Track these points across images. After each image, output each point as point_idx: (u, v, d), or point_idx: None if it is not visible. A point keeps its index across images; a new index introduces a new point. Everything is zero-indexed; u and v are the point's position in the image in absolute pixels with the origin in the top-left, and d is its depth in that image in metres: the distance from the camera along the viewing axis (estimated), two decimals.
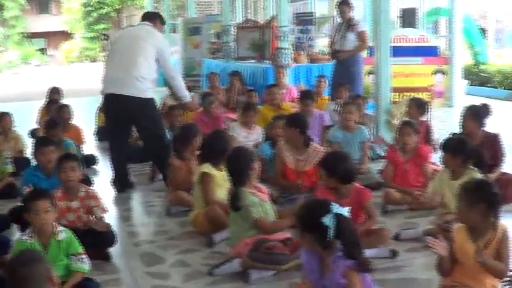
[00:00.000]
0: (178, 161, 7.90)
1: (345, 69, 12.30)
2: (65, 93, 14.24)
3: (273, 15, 16.97)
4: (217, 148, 6.92)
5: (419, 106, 9.25)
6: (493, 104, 15.72)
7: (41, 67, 51.70)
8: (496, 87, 19.12)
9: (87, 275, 5.30)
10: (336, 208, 4.13)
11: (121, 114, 8.57)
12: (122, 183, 8.92)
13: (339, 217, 4.09)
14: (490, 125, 8.03)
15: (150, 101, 8.73)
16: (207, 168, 6.78)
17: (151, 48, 8.60)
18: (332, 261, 4.15)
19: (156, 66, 8.72)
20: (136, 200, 8.64)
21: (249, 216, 5.65)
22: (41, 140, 7.88)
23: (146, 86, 8.59)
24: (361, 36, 12.26)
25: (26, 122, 12.52)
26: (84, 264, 5.23)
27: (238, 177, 5.88)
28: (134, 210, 8.18)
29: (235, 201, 5.75)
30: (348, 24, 12.30)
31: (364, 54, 12.91)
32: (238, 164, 5.91)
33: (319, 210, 4.14)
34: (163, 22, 9.31)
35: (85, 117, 13.89)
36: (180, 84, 9.15)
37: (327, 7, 23.09)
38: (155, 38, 8.76)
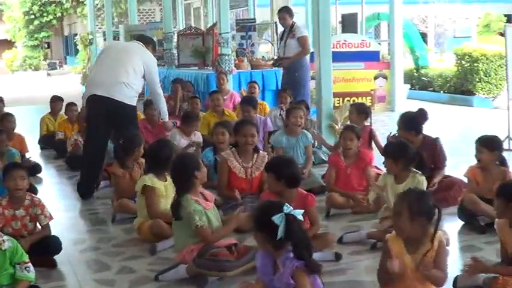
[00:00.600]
0: (120, 169, 7.88)
1: (290, 75, 12.49)
2: (8, 101, 14.14)
3: (214, 22, 17.04)
4: (161, 157, 6.91)
5: (360, 111, 9.34)
6: (434, 107, 16.15)
7: None
8: (437, 91, 19.43)
9: (33, 283, 5.29)
10: (288, 209, 4.23)
11: (103, 116, 8.62)
12: (89, 187, 8.89)
13: (289, 217, 4.19)
14: (431, 129, 8.20)
15: (133, 109, 8.94)
16: (149, 180, 6.75)
17: (140, 63, 8.80)
18: (281, 261, 4.24)
19: (142, 81, 8.93)
20: (81, 207, 8.59)
21: (192, 224, 5.65)
22: None
23: (132, 94, 8.76)
24: (301, 42, 12.45)
25: None
26: (30, 273, 5.21)
27: (182, 185, 5.87)
28: (79, 218, 8.14)
29: (177, 209, 5.73)
30: (289, 31, 12.50)
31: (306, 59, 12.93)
32: (182, 172, 5.90)
33: (272, 209, 4.25)
34: (154, 48, 9.68)
35: (28, 126, 13.77)
36: (163, 103, 9.46)
37: (268, 13, 23.21)
38: (145, 54, 9.00)
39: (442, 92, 19.21)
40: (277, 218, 4.14)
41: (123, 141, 7.93)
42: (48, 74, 46.63)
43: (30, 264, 5.24)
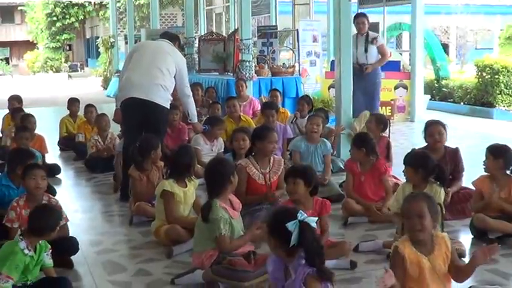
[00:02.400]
0: (137, 172, 7.90)
1: (369, 82, 12.56)
2: (28, 102, 14.23)
3: (236, 28, 17.09)
4: (181, 163, 6.94)
5: (379, 122, 9.33)
6: (454, 119, 16.09)
7: (4, 77, 51.40)
8: (457, 103, 19.37)
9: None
10: (302, 216, 4.23)
11: (141, 118, 8.61)
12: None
13: (303, 225, 4.18)
14: (450, 140, 8.19)
15: (167, 112, 9.01)
16: (169, 185, 6.76)
17: (173, 64, 8.80)
18: (293, 267, 4.24)
19: (174, 82, 8.90)
20: (99, 209, 8.63)
21: (216, 230, 5.67)
22: (26, 152, 7.82)
23: (168, 96, 8.80)
24: (382, 50, 12.73)
25: None
26: (51, 259, 5.50)
27: (215, 189, 5.90)
28: (97, 219, 8.16)
29: (206, 212, 5.75)
30: (369, 38, 12.62)
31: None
32: (218, 175, 5.93)
33: (286, 216, 4.24)
34: (180, 44, 9.74)
35: (48, 127, 13.86)
36: (192, 104, 9.43)
37: (289, 20, 23.26)
38: (177, 55, 9.02)
39: (462, 103, 19.13)
40: (291, 225, 4.14)
41: (140, 144, 7.94)
42: (69, 76, 46.86)
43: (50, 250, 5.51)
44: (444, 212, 6.49)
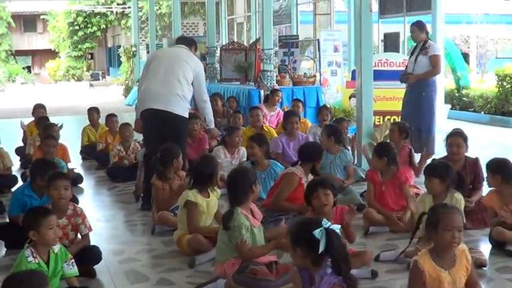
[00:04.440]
0: (159, 181, 7.97)
1: (416, 93, 11.59)
2: (50, 111, 14.31)
3: (257, 38, 17.16)
4: (204, 174, 6.98)
5: (401, 130, 9.39)
6: (474, 128, 16.07)
7: (27, 85, 51.70)
8: (477, 112, 19.35)
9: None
10: (327, 223, 4.29)
11: (160, 129, 8.67)
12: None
13: (329, 232, 4.23)
14: (471, 150, 8.22)
15: (186, 122, 9.05)
16: (192, 195, 6.81)
17: (190, 71, 8.83)
18: (319, 276, 4.28)
19: (192, 90, 8.95)
20: (121, 218, 8.70)
21: (237, 237, 5.73)
22: (48, 163, 7.86)
23: (186, 106, 8.86)
24: (433, 61, 11.52)
25: (11, 139, 12.57)
26: (75, 268, 5.56)
27: (237, 197, 5.96)
28: (119, 229, 8.22)
29: (228, 220, 5.81)
30: (422, 48, 11.67)
31: (437, 80, 12.22)
32: (238, 184, 6.00)
33: (311, 224, 4.29)
34: (196, 48, 9.62)
35: (70, 136, 13.96)
36: (210, 110, 9.45)
37: (311, 30, 23.32)
38: (194, 61, 9.03)
39: (482, 112, 19.12)
40: (318, 233, 4.19)
41: (161, 154, 8.00)
42: (91, 85, 47.05)
43: (73, 259, 5.57)
44: (465, 221, 6.55)
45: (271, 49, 14.45)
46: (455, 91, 20.57)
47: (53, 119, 12.85)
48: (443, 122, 16.65)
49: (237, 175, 6.16)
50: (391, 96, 15.51)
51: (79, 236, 6.56)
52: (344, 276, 4.22)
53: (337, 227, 4.32)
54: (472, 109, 19.67)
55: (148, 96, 8.81)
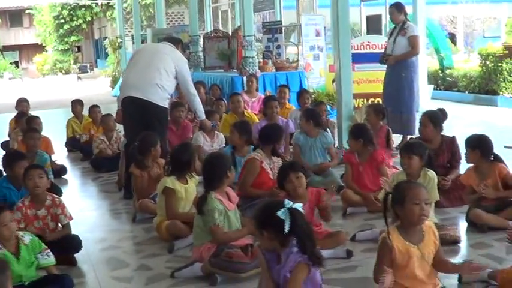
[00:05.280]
0: (138, 169, 8.03)
1: (395, 74, 11.57)
2: (38, 105, 14.36)
3: (239, 25, 17.23)
4: (182, 160, 7.07)
5: (377, 112, 9.46)
6: (458, 107, 16.17)
7: (14, 80, 51.65)
8: (462, 92, 19.42)
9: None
10: (289, 203, 4.35)
11: (138, 117, 8.73)
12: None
13: (292, 211, 4.29)
14: (455, 129, 8.30)
15: (165, 111, 9.09)
16: (170, 182, 6.89)
17: (172, 64, 8.91)
18: (285, 254, 4.35)
19: (174, 82, 9.04)
20: (105, 207, 8.80)
21: (210, 221, 5.82)
22: (17, 154, 8.10)
23: (165, 96, 8.91)
24: (412, 42, 11.51)
25: None
26: (51, 257, 5.57)
27: (211, 182, 6.03)
28: (102, 218, 8.33)
29: (202, 204, 5.90)
30: (400, 28, 11.59)
31: (418, 61, 12.19)
32: (213, 169, 6.08)
33: (274, 206, 4.34)
34: (183, 48, 9.82)
35: (57, 129, 14.06)
36: (199, 102, 9.52)
37: (294, 15, 23.33)
38: (176, 55, 9.10)
39: (466, 92, 19.19)
40: (281, 213, 4.25)
41: (139, 142, 8.07)
42: (79, 78, 47.01)
43: (48, 249, 5.59)
44: (438, 198, 6.66)
45: (252, 35, 14.54)
46: (439, 71, 20.64)
47: (39, 113, 12.92)
48: (427, 102, 16.73)
49: (212, 160, 6.23)
50: (374, 79, 15.58)
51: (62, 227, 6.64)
52: (309, 254, 4.28)
53: (299, 206, 4.39)
54: (456, 89, 19.74)
55: (127, 86, 8.93)
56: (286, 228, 4.25)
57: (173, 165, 7.13)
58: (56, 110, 21.20)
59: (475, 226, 6.79)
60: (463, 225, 7.00)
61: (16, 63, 59.68)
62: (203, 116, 9.76)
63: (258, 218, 4.45)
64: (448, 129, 8.44)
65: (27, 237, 5.49)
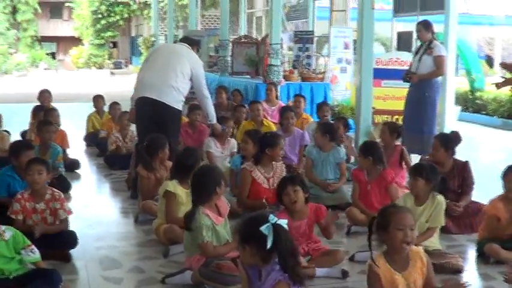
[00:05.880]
0: (145, 171, 8.00)
1: (418, 93, 11.28)
2: (67, 97, 14.31)
3: (267, 33, 17.19)
4: (186, 165, 6.99)
5: (392, 130, 9.27)
6: (486, 131, 15.94)
7: (49, 71, 52.11)
8: (490, 115, 19.18)
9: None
10: (274, 219, 4.22)
11: (152, 118, 8.71)
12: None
13: (276, 227, 4.17)
14: (478, 153, 8.09)
15: (179, 113, 9.04)
16: (172, 186, 6.84)
17: (188, 66, 8.88)
18: (266, 271, 4.23)
19: (189, 84, 9.00)
20: (111, 205, 8.79)
21: (198, 238, 5.72)
22: (23, 144, 8.17)
23: (180, 98, 8.88)
24: (437, 62, 11.18)
25: (24, 123, 12.65)
26: (36, 254, 5.48)
27: (199, 195, 5.92)
28: (106, 215, 8.27)
29: (189, 220, 5.80)
30: (427, 47, 11.30)
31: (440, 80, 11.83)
32: (202, 183, 5.96)
33: (258, 220, 4.21)
34: (199, 50, 9.72)
35: (80, 122, 14.16)
36: (211, 105, 9.49)
37: (327, 26, 23.26)
38: (192, 57, 9.08)
39: (495, 116, 18.95)
40: (265, 228, 4.13)
41: (147, 143, 8.04)
42: (112, 73, 47.27)
43: (33, 246, 5.50)
44: (443, 223, 6.49)
45: (278, 44, 14.44)
46: (469, 93, 20.41)
47: (66, 105, 12.93)
48: (453, 123, 16.53)
49: (203, 173, 6.10)
50: (401, 96, 15.33)
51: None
52: (291, 273, 4.16)
53: (284, 222, 4.27)
54: (485, 112, 19.50)
55: (142, 86, 8.88)
56: (269, 244, 4.12)
57: (177, 168, 7.07)
58: (84, 104, 21.27)
59: (484, 257, 6.56)
60: (471, 254, 6.83)
61: (53, 55, 60.32)
62: (214, 120, 9.68)
63: (241, 231, 4.32)
64: (471, 153, 8.25)
65: (8, 233, 5.39)
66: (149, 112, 8.72)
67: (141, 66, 9.45)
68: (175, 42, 11.27)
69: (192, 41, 9.64)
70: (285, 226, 4.24)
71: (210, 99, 9.45)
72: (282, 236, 4.17)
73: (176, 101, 8.80)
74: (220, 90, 13.71)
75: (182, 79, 8.82)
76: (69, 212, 6.61)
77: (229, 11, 19.88)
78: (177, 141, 9.07)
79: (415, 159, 9.95)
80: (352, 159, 10.51)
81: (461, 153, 8.08)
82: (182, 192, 6.86)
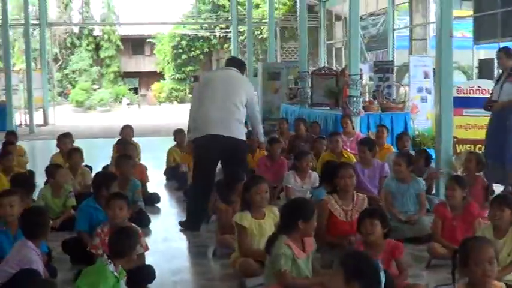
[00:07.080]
0: (223, 204, 7.97)
1: (500, 122, 10.80)
2: (149, 131, 14.44)
3: (346, 63, 17.15)
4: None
5: (479, 161, 9.08)
6: None
7: (132, 106, 52.97)
8: None
9: None
10: (379, 265, 4.20)
11: (221, 154, 8.78)
12: (196, 221, 9.01)
13: (387, 275, 4.13)
14: None
15: (246, 145, 9.25)
16: (239, 217, 6.73)
17: (244, 95, 8.96)
18: None
19: (245, 112, 9.07)
20: (189, 239, 8.76)
21: (276, 265, 5.64)
22: (106, 175, 8.31)
23: (244, 130, 9.04)
24: None
25: (107, 157, 12.84)
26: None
27: (285, 225, 5.85)
28: (184, 249, 8.31)
29: (270, 244, 5.76)
30: (508, 75, 10.84)
31: None
32: (287, 215, 5.88)
33: (369, 262, 4.08)
34: (245, 69, 9.81)
35: (161, 156, 14.21)
36: (260, 124, 9.74)
37: (407, 56, 23.09)
38: (246, 84, 9.25)
39: None
40: (382, 276, 4.08)
41: (226, 177, 8.03)
42: None
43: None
44: None
45: (357, 75, 14.34)
46: None
47: (147, 140, 13.04)
48: None
49: (292, 205, 6.04)
50: (483, 125, 15.09)
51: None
52: None
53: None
54: None
55: (206, 122, 8.85)
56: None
57: (243, 199, 6.96)
58: (165, 138, 21.50)
59: None
60: None
61: (135, 90, 61.23)
62: (262, 138, 9.84)
63: (350, 267, 4.05)
64: None
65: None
66: (217, 149, 8.75)
67: (195, 99, 9.35)
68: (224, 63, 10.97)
69: (239, 63, 9.66)
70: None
71: (259, 119, 9.74)
72: (390, 283, 4.10)
73: (242, 133, 8.91)
74: (299, 122, 13.68)
75: (242, 110, 8.92)
76: (146, 247, 6.66)
77: (308, 43, 19.95)
78: (246, 172, 8.96)
79: (496, 189, 9.70)
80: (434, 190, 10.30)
81: None
82: (253, 223, 6.74)
